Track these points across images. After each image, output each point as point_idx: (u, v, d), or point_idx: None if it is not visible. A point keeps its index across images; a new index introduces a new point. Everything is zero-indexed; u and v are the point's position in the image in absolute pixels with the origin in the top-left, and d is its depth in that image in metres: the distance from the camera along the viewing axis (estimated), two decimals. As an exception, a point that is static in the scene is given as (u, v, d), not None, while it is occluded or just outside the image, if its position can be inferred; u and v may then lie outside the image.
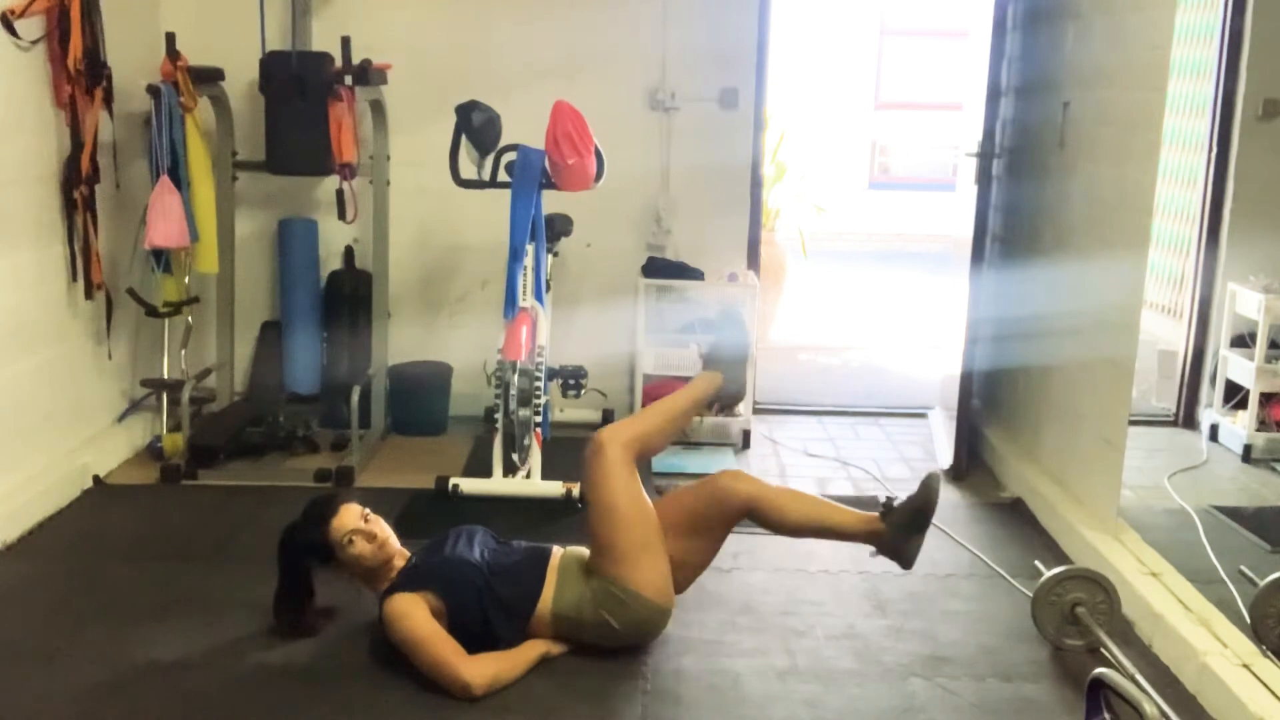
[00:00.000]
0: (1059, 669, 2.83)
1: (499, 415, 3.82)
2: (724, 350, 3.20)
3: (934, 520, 3.74)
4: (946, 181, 8.07)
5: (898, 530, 2.84)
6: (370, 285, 4.51)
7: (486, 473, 3.90)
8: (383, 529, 2.82)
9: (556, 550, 2.90)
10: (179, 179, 4.00)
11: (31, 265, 3.61)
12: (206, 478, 3.97)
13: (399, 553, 2.84)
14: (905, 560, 2.86)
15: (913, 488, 4.15)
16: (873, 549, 2.90)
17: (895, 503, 2.87)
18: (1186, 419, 4.89)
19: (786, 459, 4.46)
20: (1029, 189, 4.27)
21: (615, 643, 2.79)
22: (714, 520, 2.89)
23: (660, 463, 4.15)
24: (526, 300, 3.92)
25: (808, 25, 11.78)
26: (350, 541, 2.76)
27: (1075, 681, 2.72)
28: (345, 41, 4.09)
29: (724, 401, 3.22)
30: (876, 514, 2.87)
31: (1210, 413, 4.72)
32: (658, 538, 2.80)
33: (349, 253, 4.66)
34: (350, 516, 2.79)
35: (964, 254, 4.25)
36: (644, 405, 4.50)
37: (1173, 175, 5.45)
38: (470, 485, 3.86)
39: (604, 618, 2.75)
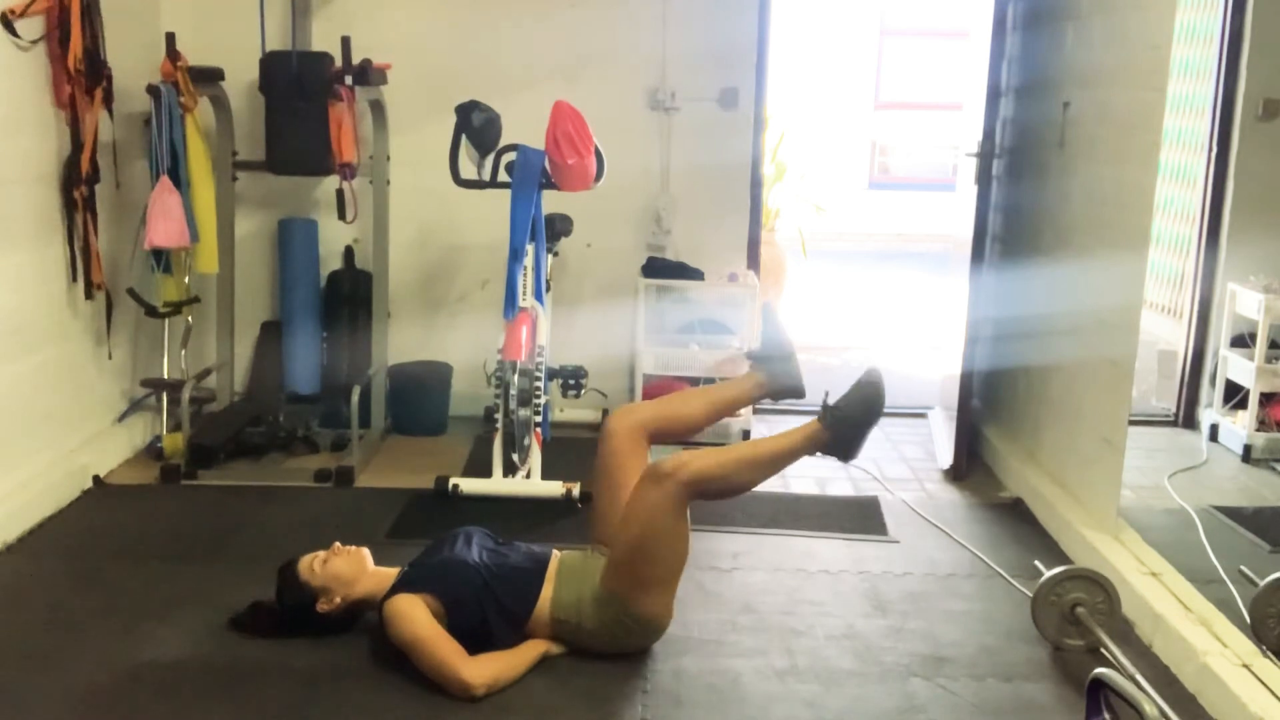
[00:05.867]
0: (1059, 669, 2.83)
1: (499, 415, 3.82)
2: (767, 348, 3.11)
3: (934, 520, 3.78)
4: (946, 181, 8.08)
5: (841, 436, 2.83)
6: (370, 285, 4.51)
7: (486, 473, 3.90)
8: (342, 548, 2.87)
9: (556, 553, 2.90)
10: (179, 179, 4.00)
11: (31, 265, 3.61)
12: (206, 478, 3.97)
13: (381, 572, 2.85)
14: (847, 456, 2.87)
15: (913, 487, 4.18)
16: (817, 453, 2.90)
17: (840, 400, 2.84)
18: (1186, 419, 4.89)
19: (786, 459, 4.46)
20: (1029, 189, 4.27)
21: (613, 651, 2.80)
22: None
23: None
24: (526, 300, 3.92)
25: (808, 25, 11.79)
26: (325, 563, 2.81)
27: (1075, 681, 2.72)
28: (345, 41, 4.09)
29: (787, 395, 3.10)
30: (816, 425, 2.84)
31: (1210, 413, 4.71)
32: (679, 573, 2.80)
33: (349, 253, 4.66)
34: (307, 556, 2.85)
35: (964, 254, 4.25)
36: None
37: (1173, 175, 5.46)
38: (470, 485, 3.86)
39: (606, 632, 2.75)
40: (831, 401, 2.84)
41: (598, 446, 2.98)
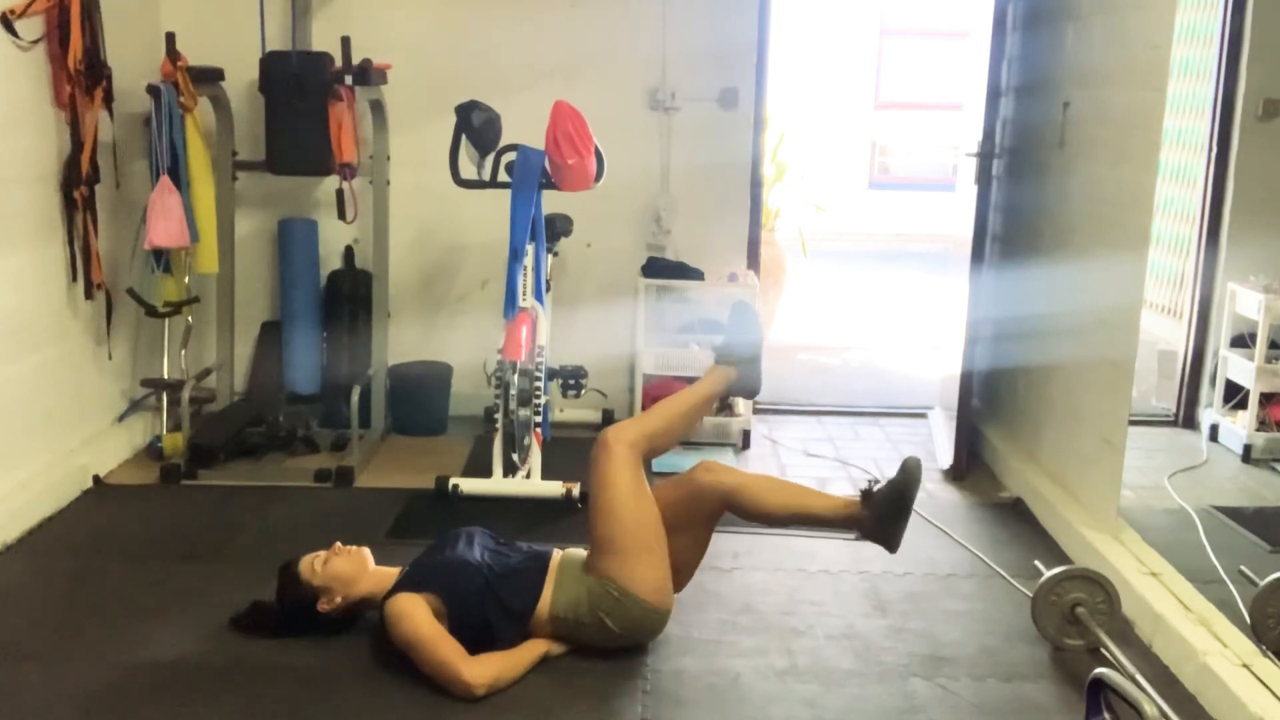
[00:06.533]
0: (1059, 669, 2.83)
1: (499, 415, 3.82)
2: (737, 345, 3.13)
3: (934, 520, 3.78)
4: (946, 181, 8.08)
5: (880, 516, 2.80)
6: (370, 285, 4.51)
7: (486, 473, 3.90)
8: (343, 548, 2.87)
9: (556, 552, 2.90)
10: (179, 179, 4.00)
11: (31, 265, 3.61)
12: (206, 478, 3.97)
13: (381, 572, 2.86)
14: (890, 544, 2.83)
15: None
16: (856, 534, 2.90)
17: (876, 487, 2.83)
18: (1186, 419, 4.89)
19: (786, 459, 4.46)
20: (1029, 189, 4.27)
21: (614, 644, 2.79)
22: (696, 516, 2.90)
23: (659, 463, 4.13)
24: (526, 300, 3.92)
25: (808, 25, 11.78)
26: (325, 563, 2.82)
27: (1075, 681, 2.72)
28: (345, 41, 4.09)
29: (741, 394, 3.21)
30: (856, 498, 2.85)
31: (1210, 413, 4.71)
32: (658, 540, 2.80)
33: (349, 253, 4.66)
34: (308, 556, 2.86)
35: (964, 254, 4.25)
36: (644, 406, 4.52)
37: (1173, 175, 5.46)
38: (470, 485, 3.86)
39: (601, 618, 2.75)
40: (874, 489, 2.87)
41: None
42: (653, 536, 2.79)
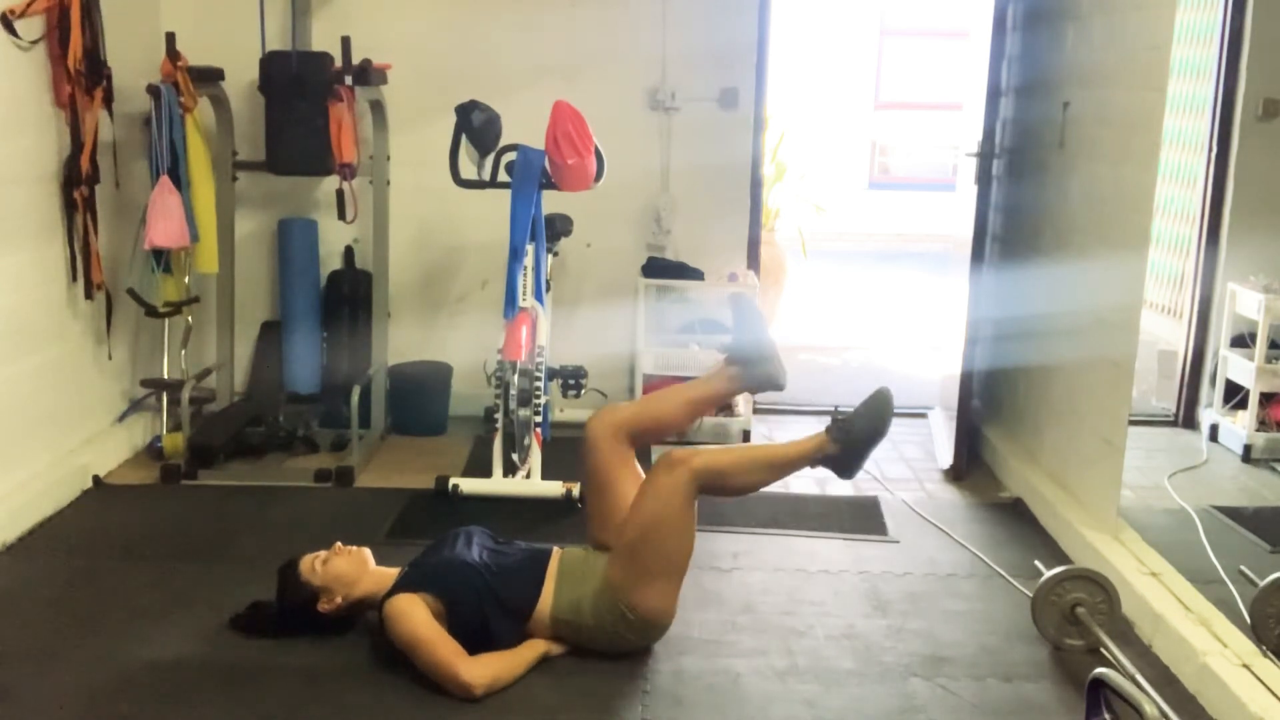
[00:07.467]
0: (1059, 669, 2.83)
1: (499, 415, 3.82)
2: (745, 345, 3.04)
3: (934, 520, 3.78)
4: (946, 181, 8.08)
5: (851, 452, 2.84)
6: (370, 285, 4.52)
7: (486, 473, 3.90)
8: (343, 548, 2.87)
9: (556, 551, 2.90)
10: (179, 179, 4.00)
11: (31, 265, 3.61)
12: (206, 478, 3.97)
13: (381, 572, 2.86)
14: (849, 474, 2.90)
15: (913, 487, 4.18)
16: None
17: (842, 418, 2.87)
18: (1186, 419, 4.88)
19: (786, 459, 4.46)
20: (1029, 189, 4.28)
21: (613, 649, 2.79)
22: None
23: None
24: (526, 300, 3.92)
25: (808, 25, 11.79)
26: (325, 563, 2.82)
27: (1075, 681, 2.72)
28: (345, 41, 4.09)
29: (768, 389, 3.07)
30: (824, 437, 2.85)
31: (1210, 413, 4.71)
32: (683, 569, 2.79)
33: (349, 253, 4.66)
34: (308, 556, 2.85)
35: (964, 254, 4.25)
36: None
37: (1173, 175, 5.46)
38: (470, 485, 3.86)
39: (606, 629, 2.75)
40: (841, 417, 2.88)
41: (582, 455, 2.97)
42: (681, 565, 2.78)
